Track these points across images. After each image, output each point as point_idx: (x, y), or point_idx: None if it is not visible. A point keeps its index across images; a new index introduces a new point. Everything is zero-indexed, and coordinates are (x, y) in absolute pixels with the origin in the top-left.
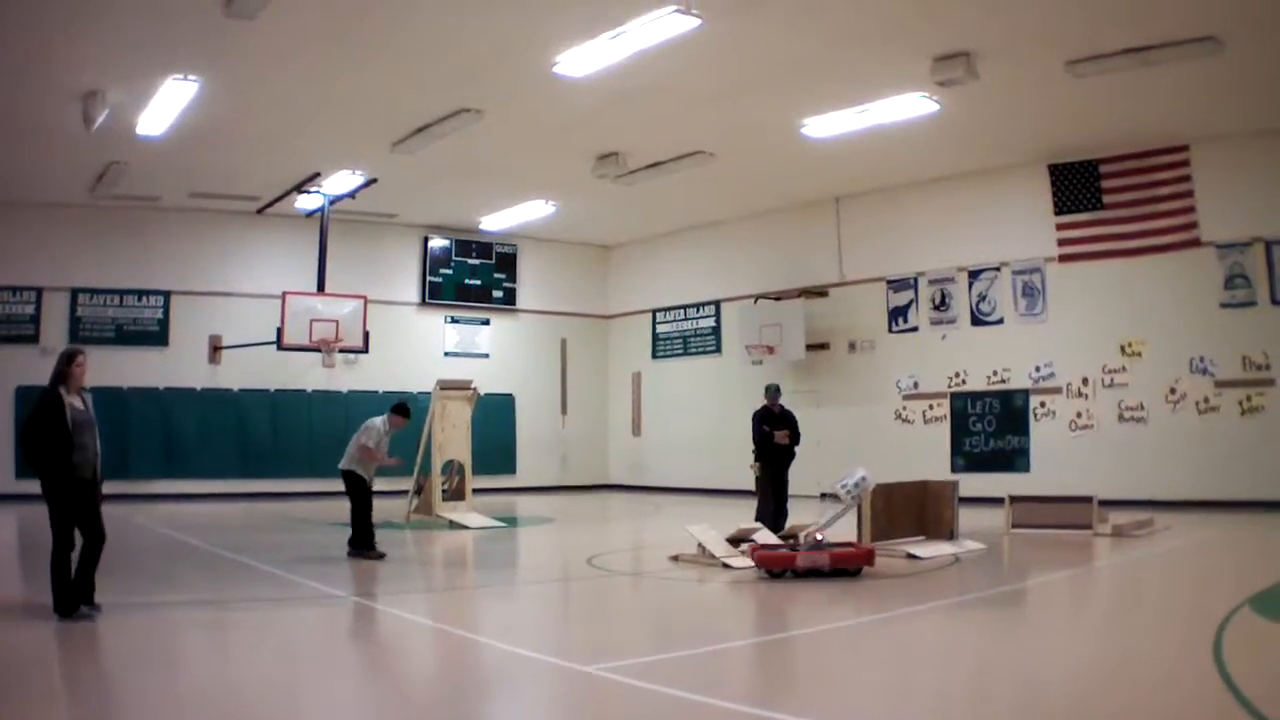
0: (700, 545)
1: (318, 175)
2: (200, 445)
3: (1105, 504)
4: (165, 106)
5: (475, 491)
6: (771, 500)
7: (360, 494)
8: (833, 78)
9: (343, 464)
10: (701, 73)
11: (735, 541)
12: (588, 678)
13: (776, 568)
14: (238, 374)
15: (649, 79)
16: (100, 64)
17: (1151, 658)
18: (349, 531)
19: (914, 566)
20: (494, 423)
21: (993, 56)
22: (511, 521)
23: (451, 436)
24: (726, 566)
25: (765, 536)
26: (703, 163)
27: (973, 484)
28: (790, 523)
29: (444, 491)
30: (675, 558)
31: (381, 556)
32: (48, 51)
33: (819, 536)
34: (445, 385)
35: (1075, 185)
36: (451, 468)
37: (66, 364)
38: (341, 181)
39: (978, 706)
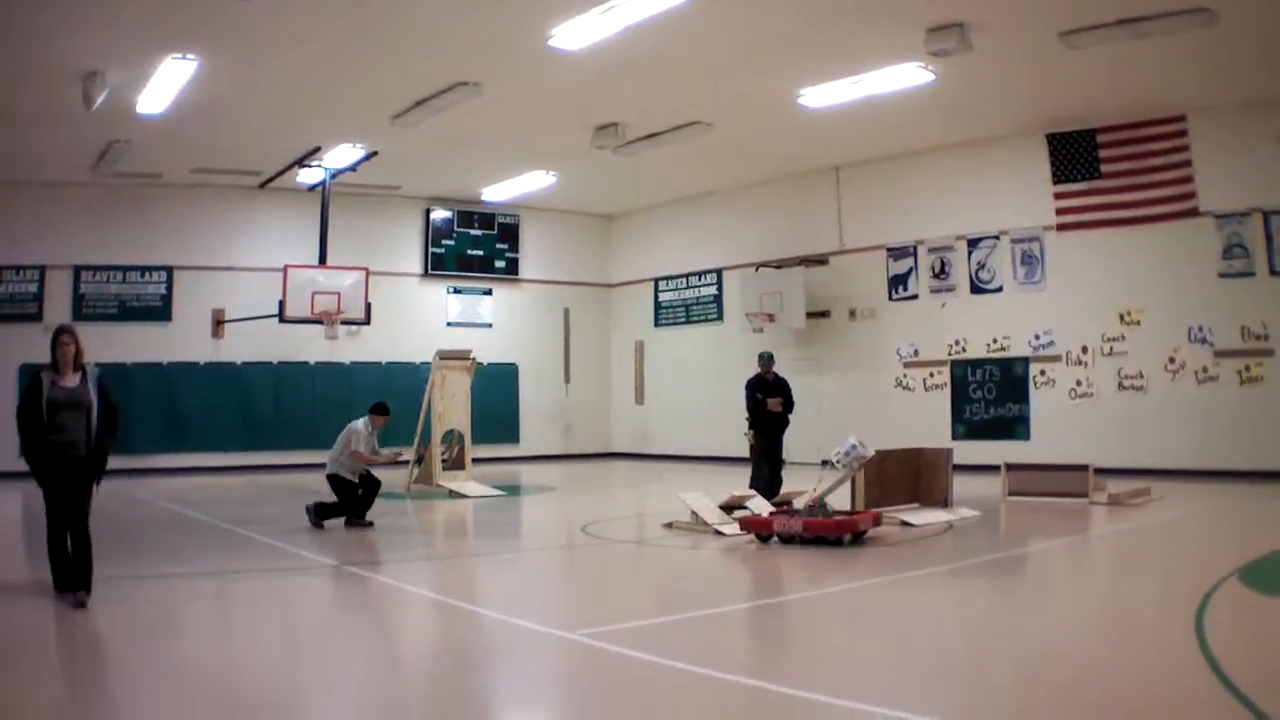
0: (693, 512)
1: (319, 149)
2: (204, 419)
3: (1104, 472)
4: (165, 85)
5: (479, 461)
6: (765, 467)
7: (345, 492)
8: (827, 49)
9: (328, 470)
10: (696, 44)
11: (728, 509)
12: (570, 644)
13: (760, 531)
14: (241, 347)
15: (644, 51)
16: (99, 45)
17: (1133, 630)
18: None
19: (906, 534)
20: (497, 392)
21: (986, 27)
22: (511, 490)
23: (451, 406)
24: (719, 533)
25: (758, 504)
26: (701, 133)
27: (973, 452)
28: (785, 489)
29: (444, 461)
30: (669, 525)
31: (370, 525)
32: (48, 33)
33: (812, 503)
34: (445, 355)
35: (1073, 155)
36: (452, 437)
37: (52, 344)
38: (342, 155)
39: (951, 675)
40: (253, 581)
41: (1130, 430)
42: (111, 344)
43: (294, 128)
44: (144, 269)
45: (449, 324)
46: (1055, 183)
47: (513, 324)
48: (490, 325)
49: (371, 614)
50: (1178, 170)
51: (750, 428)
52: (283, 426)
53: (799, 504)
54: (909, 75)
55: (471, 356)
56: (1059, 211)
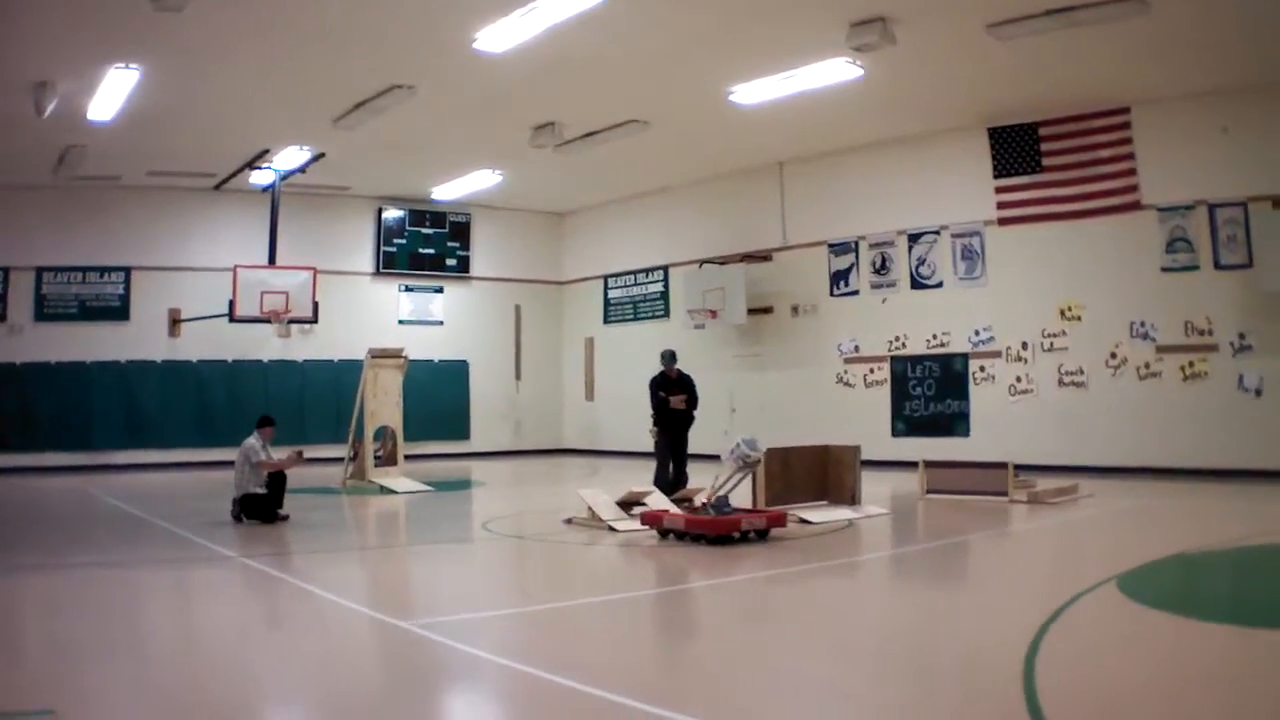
0: (590, 508)
1: (267, 152)
2: (161, 416)
3: (1043, 470)
4: (111, 93)
5: (429, 458)
6: (667, 465)
7: (261, 504)
8: (751, 45)
9: (236, 494)
10: (620, 43)
11: (627, 505)
12: (397, 631)
13: (658, 526)
14: (196, 346)
15: (570, 51)
16: (45, 56)
17: (962, 639)
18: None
19: (801, 531)
20: (448, 389)
21: (908, 21)
22: (441, 486)
23: (383, 403)
24: (612, 530)
25: (657, 499)
26: (637, 131)
27: (913, 449)
28: (693, 485)
29: (377, 457)
30: (569, 521)
31: (285, 518)
32: None
33: (707, 501)
34: (377, 354)
35: (1014, 148)
36: (385, 434)
37: None
38: (291, 157)
39: (732, 678)
40: (143, 571)
41: (1071, 427)
42: (72, 343)
43: (240, 132)
44: (104, 270)
45: (400, 321)
46: (996, 177)
47: (464, 321)
48: (441, 323)
49: (230, 600)
50: (1120, 163)
51: (654, 425)
52: (237, 423)
53: (698, 501)
54: (837, 70)
55: (403, 355)
56: (1000, 205)
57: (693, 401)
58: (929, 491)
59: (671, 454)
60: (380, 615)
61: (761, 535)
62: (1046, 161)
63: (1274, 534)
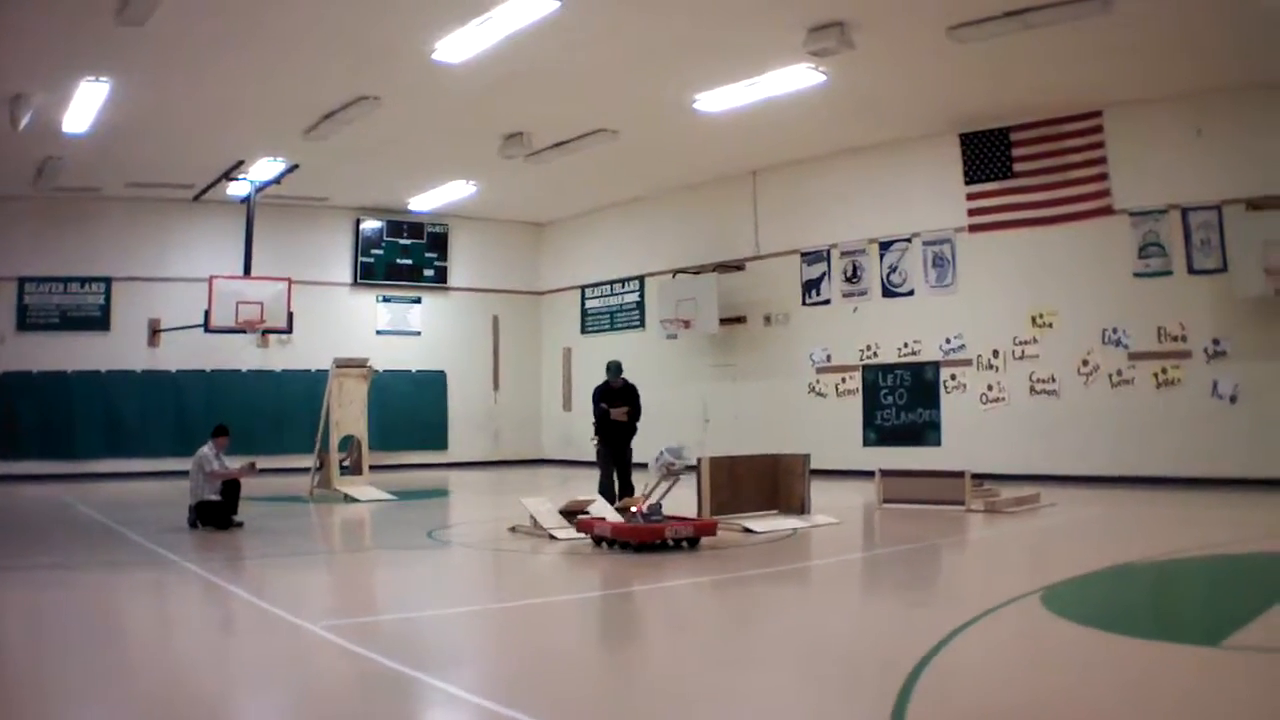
0: (532, 517)
1: (242, 163)
2: (140, 425)
3: (1014, 479)
4: (84, 106)
5: (407, 467)
6: (610, 474)
7: (216, 511)
8: (710, 52)
9: (192, 501)
10: (578, 52)
11: (570, 514)
12: (302, 632)
13: (584, 533)
14: (175, 356)
15: (529, 60)
16: (17, 68)
17: (860, 646)
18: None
19: (742, 540)
20: (426, 399)
21: (866, 26)
22: (405, 495)
23: (349, 413)
24: (553, 538)
25: (599, 508)
26: (607, 140)
27: (885, 458)
28: (639, 494)
29: (343, 467)
30: (513, 529)
31: (240, 525)
32: None
33: (639, 509)
34: (342, 363)
35: (986, 154)
36: (351, 443)
37: None
38: (265, 168)
39: (591, 687)
40: (82, 573)
41: (1042, 436)
42: (53, 353)
43: (212, 143)
44: (85, 280)
45: (378, 332)
46: (968, 183)
47: (441, 332)
48: (419, 333)
49: (152, 601)
50: (1092, 168)
51: (595, 434)
52: None
53: (634, 509)
54: (800, 77)
55: (368, 364)
56: (971, 212)
57: (635, 413)
58: (886, 501)
59: (614, 464)
60: (288, 615)
61: (693, 544)
62: (1018, 167)
63: (1227, 545)
